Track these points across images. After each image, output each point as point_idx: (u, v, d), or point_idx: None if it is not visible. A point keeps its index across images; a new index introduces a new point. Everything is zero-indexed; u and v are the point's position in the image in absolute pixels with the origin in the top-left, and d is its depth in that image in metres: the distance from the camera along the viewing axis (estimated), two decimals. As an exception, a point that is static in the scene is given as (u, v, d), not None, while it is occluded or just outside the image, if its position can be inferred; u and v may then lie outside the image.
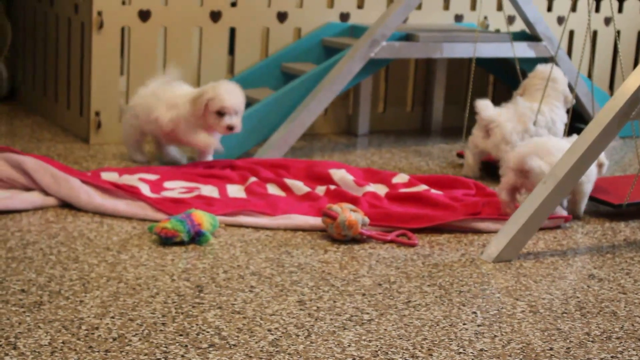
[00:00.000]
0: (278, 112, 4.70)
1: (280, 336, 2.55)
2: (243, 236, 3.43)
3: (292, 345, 2.50)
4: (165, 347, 2.44)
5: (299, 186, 3.98)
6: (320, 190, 3.95)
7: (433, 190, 3.99)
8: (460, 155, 4.76)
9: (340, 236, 3.40)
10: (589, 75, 6.25)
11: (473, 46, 4.94)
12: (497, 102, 4.70)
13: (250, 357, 2.41)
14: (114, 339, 2.47)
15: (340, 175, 4.11)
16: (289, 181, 4.03)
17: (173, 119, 4.22)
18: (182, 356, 2.39)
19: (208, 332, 2.55)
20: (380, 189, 4.03)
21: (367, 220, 3.44)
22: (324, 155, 4.79)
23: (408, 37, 4.95)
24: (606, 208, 3.96)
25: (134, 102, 4.40)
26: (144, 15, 4.81)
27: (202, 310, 2.70)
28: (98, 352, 2.38)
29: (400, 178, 4.16)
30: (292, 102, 4.72)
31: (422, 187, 4.02)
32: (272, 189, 4.00)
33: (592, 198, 3.93)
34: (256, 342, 2.50)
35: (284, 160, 4.39)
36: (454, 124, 5.66)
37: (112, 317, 2.61)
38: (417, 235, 3.50)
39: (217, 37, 5.02)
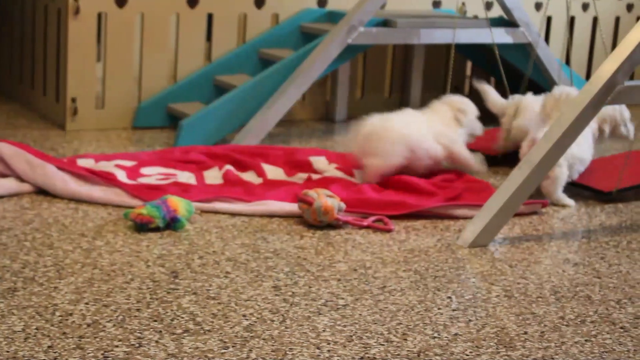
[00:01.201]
0: (255, 98, 4.69)
1: (255, 321, 2.55)
2: (219, 222, 3.42)
3: (267, 330, 2.50)
4: (140, 332, 2.43)
5: (277, 173, 3.97)
6: (300, 178, 3.95)
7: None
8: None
9: (317, 222, 3.40)
10: (567, 62, 6.26)
11: (451, 32, 4.94)
12: (474, 88, 4.70)
13: (225, 342, 2.41)
14: (88, 325, 2.46)
15: (321, 162, 4.12)
16: (267, 167, 4.03)
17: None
18: (157, 342, 2.39)
19: (182, 317, 2.55)
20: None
21: (343, 205, 3.44)
22: (301, 142, 4.79)
23: (386, 23, 4.95)
24: (580, 192, 3.97)
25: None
26: (121, 1, 4.79)
27: (177, 296, 2.69)
28: (72, 338, 2.38)
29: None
30: (270, 88, 4.71)
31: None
32: (249, 176, 3.99)
33: (579, 185, 3.95)
34: (231, 328, 2.50)
35: (263, 147, 4.38)
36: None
37: (87, 303, 2.60)
38: (393, 221, 3.50)
39: (194, 23, 5.01)
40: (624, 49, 3.47)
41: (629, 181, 3.98)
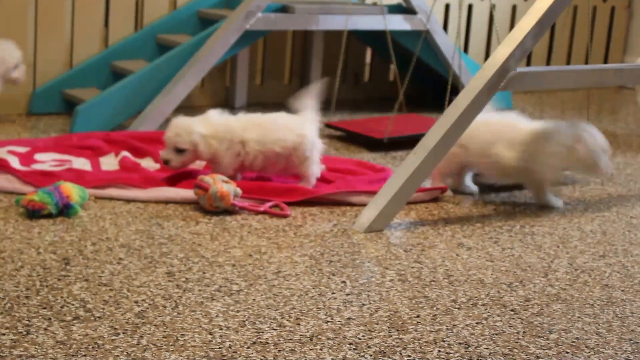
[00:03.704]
0: (153, 84, 4.64)
1: (147, 308, 2.52)
2: (113, 208, 3.38)
3: (159, 316, 2.47)
4: (28, 320, 2.39)
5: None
6: (198, 165, 3.92)
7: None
8: (329, 125, 4.76)
9: (213, 207, 3.38)
10: (465, 49, 6.34)
11: (348, 18, 4.95)
12: (376, 73, 4.71)
13: (115, 329, 2.38)
14: (-25, 313, 2.41)
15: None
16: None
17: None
18: (45, 329, 2.34)
19: (73, 304, 2.51)
20: None
21: (239, 191, 3.42)
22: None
23: (284, 9, 4.94)
24: (477, 178, 4.02)
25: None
26: (14, -16, 4.70)
27: (68, 283, 2.65)
28: (-43, 326, 2.33)
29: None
30: (167, 74, 4.67)
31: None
32: (146, 162, 3.95)
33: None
34: (122, 314, 2.47)
35: (160, 133, 4.32)
36: (331, 96, 5.66)
37: (-26, 291, 2.55)
38: (290, 207, 3.49)
39: (90, 8, 4.93)
40: (517, 35, 3.52)
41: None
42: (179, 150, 3.62)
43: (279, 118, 3.77)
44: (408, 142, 4.49)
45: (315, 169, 3.73)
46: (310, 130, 3.71)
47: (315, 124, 3.76)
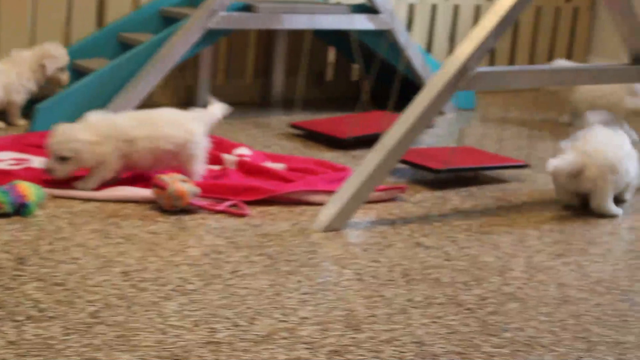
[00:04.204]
0: (114, 83, 4.61)
1: (101, 307, 2.51)
2: (71, 208, 3.36)
3: (113, 316, 2.46)
4: (-20, 320, 2.37)
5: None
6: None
7: (272, 164, 3.99)
8: (294, 126, 4.76)
9: (171, 207, 3.36)
10: (428, 49, 6.35)
11: (312, 18, 4.96)
12: (340, 72, 4.70)
13: (68, 328, 2.36)
14: None
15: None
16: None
17: None
18: (-3, 329, 2.33)
19: (26, 304, 2.49)
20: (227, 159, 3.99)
21: (197, 190, 3.41)
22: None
23: (247, 8, 4.93)
24: (438, 177, 4.03)
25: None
26: (-26, -19, 4.67)
27: (22, 283, 2.63)
28: None
29: (243, 150, 4.15)
30: (129, 73, 4.65)
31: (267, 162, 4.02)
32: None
33: (410, 163, 4.07)
34: (75, 314, 2.45)
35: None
36: (295, 96, 5.66)
37: None
38: (249, 206, 3.49)
39: (52, 6, 4.90)
40: (477, 35, 3.53)
41: (456, 164, 4.11)
42: (63, 159, 3.51)
43: (166, 114, 3.73)
44: (371, 141, 4.50)
45: (202, 166, 3.71)
46: (198, 127, 3.69)
47: (204, 122, 3.74)
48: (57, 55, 4.67)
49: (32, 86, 4.63)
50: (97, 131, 3.56)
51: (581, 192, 3.75)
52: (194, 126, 3.67)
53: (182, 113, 3.73)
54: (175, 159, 3.64)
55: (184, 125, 3.66)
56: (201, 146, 3.68)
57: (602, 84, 4.86)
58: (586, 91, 5.27)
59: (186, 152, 3.64)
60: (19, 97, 4.58)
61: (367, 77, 4.81)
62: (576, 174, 3.67)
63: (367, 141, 4.51)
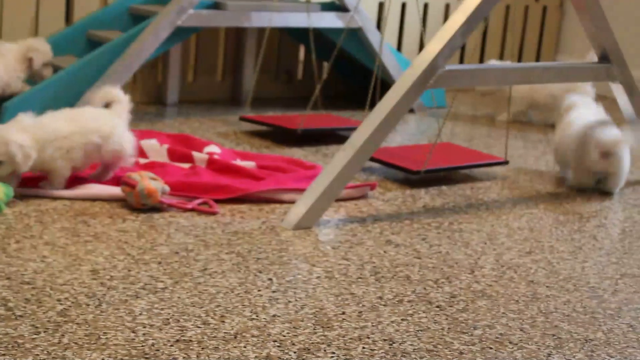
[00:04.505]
0: (83, 80, 4.58)
1: (70, 306, 2.49)
2: (39, 206, 3.33)
3: (82, 315, 2.45)
4: (-53, 319, 2.35)
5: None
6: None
7: (242, 162, 3.98)
8: (244, 119, 4.75)
9: (140, 205, 3.35)
10: (398, 48, 6.36)
11: (282, 15, 4.95)
12: (310, 71, 4.70)
13: (37, 327, 2.35)
14: None
15: (151, 144, 4.07)
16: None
17: None
18: (-36, 328, 2.31)
19: (-7, 303, 2.47)
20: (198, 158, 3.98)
21: (167, 188, 3.40)
22: (131, 125, 4.69)
23: (216, 5, 4.92)
24: (408, 175, 4.04)
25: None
26: (-60, -22, 4.63)
27: (-11, 281, 2.61)
28: None
29: (213, 148, 4.14)
30: (98, 70, 4.62)
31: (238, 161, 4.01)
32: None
33: (390, 165, 4.01)
34: (44, 313, 2.44)
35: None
36: (264, 94, 5.66)
37: None
38: (219, 204, 3.48)
39: (20, 2, 4.87)
40: (446, 33, 3.54)
41: (434, 164, 4.08)
42: None
43: (87, 110, 3.65)
44: (324, 135, 4.64)
45: (131, 161, 3.67)
46: (120, 121, 3.65)
47: (121, 115, 3.69)
48: (43, 50, 4.64)
49: (18, 79, 4.59)
50: (32, 133, 3.40)
51: (602, 173, 4.04)
52: (115, 120, 3.62)
53: (100, 109, 3.66)
54: (100, 154, 3.56)
55: (106, 119, 3.60)
56: (126, 138, 3.63)
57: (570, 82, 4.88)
58: (524, 90, 5.37)
59: (111, 146, 3.56)
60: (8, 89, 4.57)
61: (324, 77, 4.81)
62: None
63: (319, 135, 4.56)
